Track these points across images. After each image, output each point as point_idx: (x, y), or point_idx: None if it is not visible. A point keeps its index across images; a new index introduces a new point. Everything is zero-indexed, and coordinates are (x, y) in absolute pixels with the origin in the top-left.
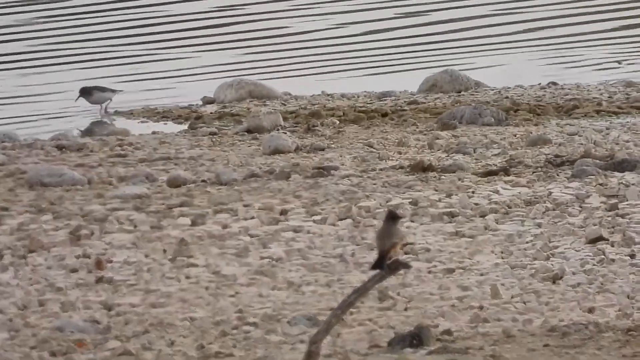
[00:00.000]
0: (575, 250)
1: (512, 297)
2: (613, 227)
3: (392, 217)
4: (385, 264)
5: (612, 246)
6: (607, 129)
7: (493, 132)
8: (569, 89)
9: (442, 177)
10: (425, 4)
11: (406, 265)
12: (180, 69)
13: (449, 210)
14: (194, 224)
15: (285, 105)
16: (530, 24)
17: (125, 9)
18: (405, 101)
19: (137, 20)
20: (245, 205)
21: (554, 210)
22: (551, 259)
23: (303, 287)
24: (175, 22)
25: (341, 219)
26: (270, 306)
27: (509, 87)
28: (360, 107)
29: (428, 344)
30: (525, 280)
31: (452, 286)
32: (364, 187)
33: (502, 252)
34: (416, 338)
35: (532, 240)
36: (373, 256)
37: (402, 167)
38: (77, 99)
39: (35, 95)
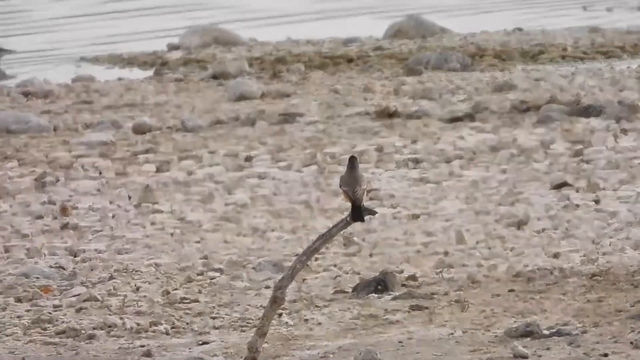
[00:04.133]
0: (540, 196)
1: (477, 243)
2: (578, 173)
3: (352, 163)
4: (365, 213)
5: (577, 192)
6: (573, 74)
7: (459, 78)
8: (535, 34)
9: (408, 123)
10: None
11: (372, 212)
12: (144, 12)
13: (414, 156)
14: (159, 170)
15: (250, 51)
16: None
17: None
18: (370, 47)
19: None
20: (210, 152)
21: (519, 156)
22: (516, 204)
23: (268, 233)
24: None
25: (306, 166)
26: (236, 252)
27: (475, 33)
28: (326, 53)
29: (393, 290)
30: (490, 226)
31: (417, 232)
32: (329, 134)
33: (467, 198)
34: (381, 283)
35: (497, 186)
36: (338, 202)
37: (367, 114)
38: None
39: None
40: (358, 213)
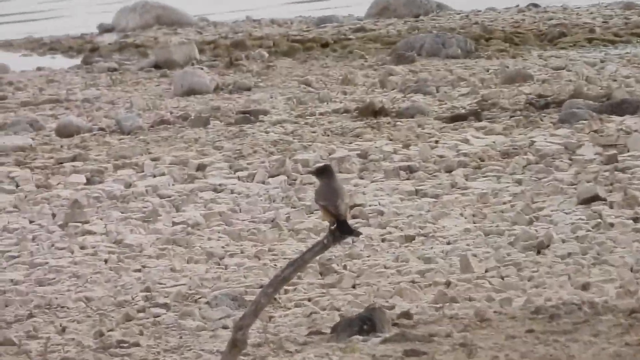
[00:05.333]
0: (565, 213)
1: (486, 271)
2: (612, 184)
3: (328, 174)
4: (356, 231)
5: (611, 207)
6: (602, 61)
7: (460, 67)
8: (554, 12)
9: (398, 123)
10: None
11: (355, 233)
12: None
13: (406, 164)
14: (89, 182)
15: (201, 33)
16: None
17: None
18: (350, 28)
19: None
20: (153, 159)
21: (537, 163)
22: (535, 223)
23: (226, 259)
24: None
25: (273, 176)
26: (186, 283)
27: (479, 10)
28: (295, 35)
29: (382, 330)
30: (502, 250)
31: (412, 257)
32: (300, 136)
33: (473, 216)
34: (367, 322)
35: (511, 201)
36: (313, 221)
37: (347, 111)
38: None
39: None
40: (344, 227)
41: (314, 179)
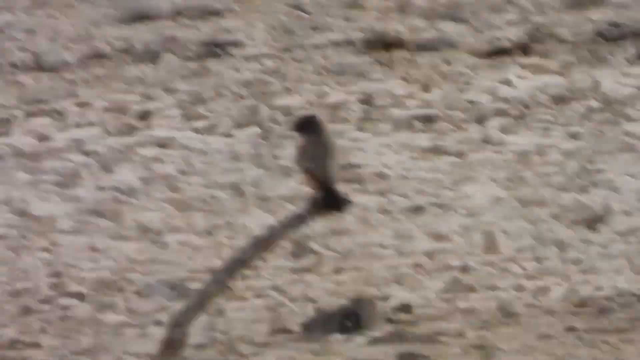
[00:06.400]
0: (632, 177)
1: (518, 252)
2: None
3: (315, 127)
4: (346, 200)
5: None
6: None
7: None
8: None
9: (418, 58)
10: None
11: (344, 203)
12: None
13: (424, 112)
14: None
15: None
16: None
17: None
18: None
19: None
20: (79, 105)
21: (602, 112)
22: (590, 190)
23: (166, 235)
24: None
25: (241, 127)
26: (108, 267)
27: None
28: None
29: (371, 327)
30: (542, 225)
31: (418, 234)
32: (283, 75)
33: (508, 181)
34: (351, 317)
35: (562, 161)
36: (291, 187)
37: (351, 43)
38: None
39: None
40: (332, 199)
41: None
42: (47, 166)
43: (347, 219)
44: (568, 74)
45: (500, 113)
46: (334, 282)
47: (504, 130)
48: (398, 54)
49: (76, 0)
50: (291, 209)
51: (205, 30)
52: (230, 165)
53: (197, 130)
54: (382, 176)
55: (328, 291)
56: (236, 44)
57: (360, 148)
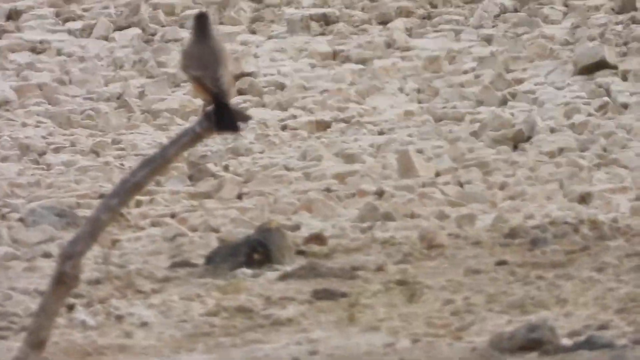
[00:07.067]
0: (556, 88)
1: (437, 175)
2: (626, 44)
3: (203, 27)
4: (243, 115)
5: (624, 80)
6: None
7: None
8: None
9: None
10: None
11: (244, 117)
12: None
13: (321, 11)
14: None
15: None
16: None
17: None
18: None
19: None
20: None
21: (516, 11)
22: (510, 103)
23: (49, 155)
24: None
25: (120, 29)
26: None
27: None
28: None
29: (281, 261)
30: (462, 144)
31: (326, 154)
32: None
33: (418, 92)
34: (259, 249)
35: (476, 69)
36: (180, 98)
37: None
38: None
39: None
40: (226, 116)
41: (183, 33)
42: None
43: (246, 136)
44: None
45: (405, 12)
46: (237, 210)
47: (410, 32)
48: None
49: None
50: (183, 124)
51: None
52: (112, 74)
53: (71, 32)
54: (279, 86)
55: (231, 219)
56: None
57: (253, 54)
